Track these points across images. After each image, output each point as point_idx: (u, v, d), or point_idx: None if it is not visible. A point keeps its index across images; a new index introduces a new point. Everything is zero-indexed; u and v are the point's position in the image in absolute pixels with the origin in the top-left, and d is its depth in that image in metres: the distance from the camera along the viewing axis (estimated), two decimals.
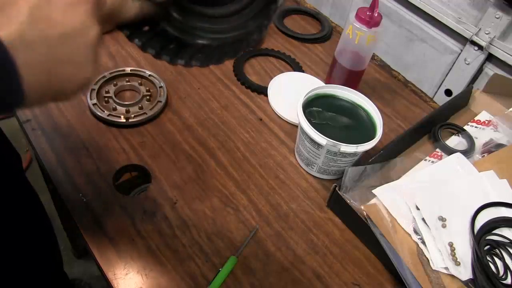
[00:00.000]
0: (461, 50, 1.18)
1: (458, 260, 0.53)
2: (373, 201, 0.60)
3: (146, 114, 0.69)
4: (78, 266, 1.37)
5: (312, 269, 0.56)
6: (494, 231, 0.57)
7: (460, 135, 0.74)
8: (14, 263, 0.70)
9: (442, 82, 1.27)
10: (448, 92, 1.27)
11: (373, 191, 0.61)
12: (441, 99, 1.16)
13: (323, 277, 0.56)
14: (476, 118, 0.77)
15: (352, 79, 0.78)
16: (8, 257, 0.68)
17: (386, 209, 0.58)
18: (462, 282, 0.52)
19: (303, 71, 0.86)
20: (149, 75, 0.75)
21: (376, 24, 0.69)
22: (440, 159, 0.69)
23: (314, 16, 1.01)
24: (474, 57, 1.15)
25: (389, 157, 0.66)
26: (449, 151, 0.69)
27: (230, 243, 0.57)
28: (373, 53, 0.91)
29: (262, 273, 0.55)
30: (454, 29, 1.16)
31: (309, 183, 0.66)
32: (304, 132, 0.61)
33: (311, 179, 0.67)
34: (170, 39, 0.32)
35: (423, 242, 0.55)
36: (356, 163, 0.63)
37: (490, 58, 1.14)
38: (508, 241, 0.56)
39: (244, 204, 0.61)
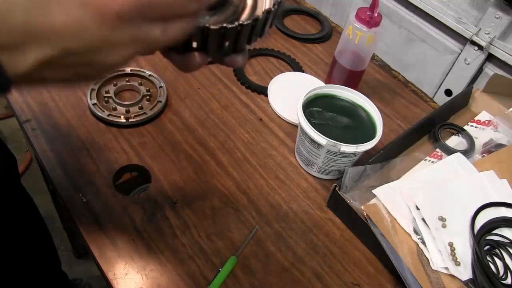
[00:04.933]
0: (461, 50, 1.18)
1: (458, 260, 0.53)
2: (373, 201, 0.60)
3: (146, 114, 0.69)
4: (78, 266, 1.38)
5: (312, 269, 0.56)
6: (494, 231, 0.57)
7: (460, 135, 0.74)
8: (11, 264, 0.70)
9: (442, 82, 1.27)
10: (448, 92, 1.27)
11: (373, 191, 0.61)
12: (441, 99, 1.16)
13: (323, 277, 0.56)
14: (476, 118, 0.77)
15: (352, 79, 0.78)
16: (6, 258, 0.68)
17: (386, 209, 0.58)
18: (462, 282, 0.52)
19: (303, 71, 0.86)
20: (149, 75, 0.75)
21: (376, 24, 0.69)
22: (440, 159, 0.69)
23: (314, 16, 1.01)
24: (474, 57, 1.15)
25: (389, 157, 0.66)
26: (449, 151, 0.69)
27: (230, 243, 0.57)
28: (373, 53, 0.91)
29: (262, 273, 0.55)
30: (454, 29, 1.16)
31: (309, 183, 0.66)
32: (304, 132, 0.61)
33: (311, 179, 0.67)
34: None
35: (423, 242, 0.55)
36: (356, 163, 0.63)
37: (490, 58, 1.14)
38: (508, 241, 0.56)
39: (244, 204, 0.61)
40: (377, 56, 0.93)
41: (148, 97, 0.72)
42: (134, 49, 0.25)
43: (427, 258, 0.54)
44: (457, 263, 0.53)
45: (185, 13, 0.26)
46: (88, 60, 0.24)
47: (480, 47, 1.12)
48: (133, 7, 0.23)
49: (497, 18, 1.07)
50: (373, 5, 0.68)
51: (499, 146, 0.71)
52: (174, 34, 0.26)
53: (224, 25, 0.30)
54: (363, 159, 0.64)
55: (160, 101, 0.71)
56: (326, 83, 0.83)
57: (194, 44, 0.31)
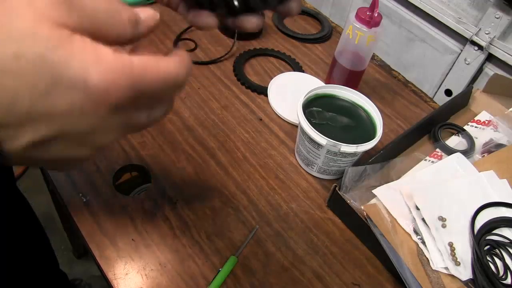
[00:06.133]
0: (461, 50, 1.18)
1: (458, 260, 0.53)
2: (373, 201, 0.60)
3: None
4: (78, 266, 1.38)
5: (312, 269, 0.56)
6: (494, 231, 0.57)
7: (460, 135, 0.74)
8: (8, 265, 0.70)
9: (442, 82, 1.27)
10: (448, 92, 1.27)
11: (373, 191, 0.61)
12: (441, 99, 1.16)
13: (323, 277, 0.56)
14: (476, 118, 0.77)
15: (352, 79, 0.78)
16: (3, 259, 0.68)
17: (386, 209, 0.58)
18: (462, 282, 0.52)
19: (303, 71, 0.86)
20: None
21: (376, 24, 0.69)
22: (440, 159, 0.69)
23: (314, 16, 1.01)
24: (474, 57, 1.15)
25: (389, 157, 0.66)
26: (449, 151, 0.69)
27: (230, 243, 0.57)
28: (373, 53, 0.91)
29: (262, 273, 0.55)
30: (454, 29, 1.17)
31: (309, 183, 0.66)
32: (304, 132, 0.61)
33: (311, 179, 0.67)
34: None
35: (423, 242, 0.55)
36: (356, 163, 0.63)
37: (490, 58, 1.14)
38: (508, 241, 0.56)
39: (244, 204, 0.61)
40: (377, 56, 0.93)
41: None
42: (123, 133, 0.28)
43: (427, 258, 0.54)
44: (457, 263, 0.53)
45: (167, 98, 0.29)
46: (78, 141, 0.25)
47: (480, 47, 1.12)
48: (128, 98, 0.24)
49: (497, 18, 1.07)
50: (373, 5, 0.68)
51: (499, 146, 0.71)
52: (156, 118, 0.29)
53: None
54: (363, 159, 0.64)
55: None
56: (326, 83, 0.83)
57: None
